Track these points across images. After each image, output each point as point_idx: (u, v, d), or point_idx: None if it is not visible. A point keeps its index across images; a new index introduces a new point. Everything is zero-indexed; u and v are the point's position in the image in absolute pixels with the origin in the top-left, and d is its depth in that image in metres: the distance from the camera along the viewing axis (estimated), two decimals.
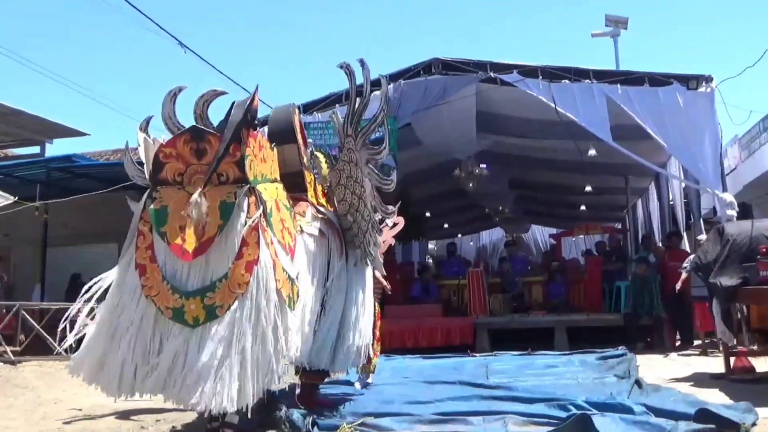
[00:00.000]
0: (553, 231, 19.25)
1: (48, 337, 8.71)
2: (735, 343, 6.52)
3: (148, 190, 3.87)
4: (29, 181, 11.55)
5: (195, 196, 3.62)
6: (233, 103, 3.96)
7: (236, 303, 3.61)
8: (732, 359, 6.12)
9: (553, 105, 8.74)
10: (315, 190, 4.96)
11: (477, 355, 8.29)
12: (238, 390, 3.47)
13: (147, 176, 3.92)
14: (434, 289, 11.49)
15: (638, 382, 5.41)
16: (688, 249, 10.68)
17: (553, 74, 8.90)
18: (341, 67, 4.85)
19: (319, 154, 5.21)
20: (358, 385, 5.90)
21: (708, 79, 8.62)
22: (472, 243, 22.87)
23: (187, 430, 4.67)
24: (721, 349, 6.87)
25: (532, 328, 9.94)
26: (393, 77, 9.43)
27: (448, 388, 5.62)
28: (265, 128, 4.92)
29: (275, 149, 4.36)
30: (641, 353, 7.80)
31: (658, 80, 8.74)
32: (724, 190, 8.38)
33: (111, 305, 3.77)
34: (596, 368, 6.65)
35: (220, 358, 3.49)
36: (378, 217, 5.08)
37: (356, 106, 4.81)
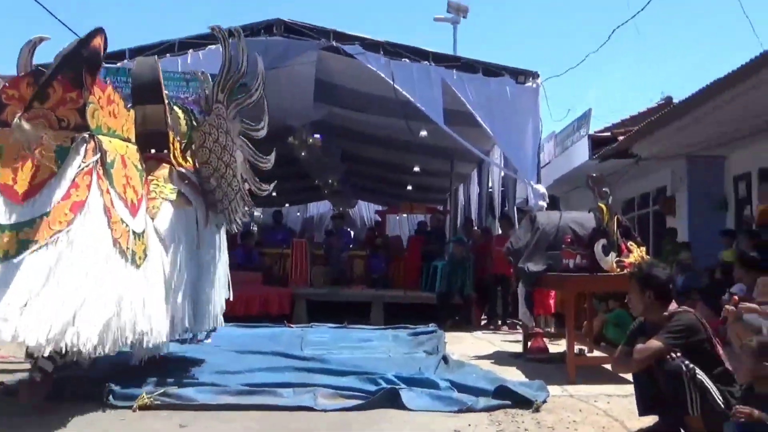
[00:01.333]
0: (380, 208, 19.66)
1: None
2: (533, 324, 7.01)
3: None
4: None
5: (16, 119, 3.54)
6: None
7: (54, 239, 3.46)
8: (530, 340, 6.55)
9: (391, 81, 8.80)
10: (174, 148, 4.80)
11: (293, 326, 8.21)
12: (45, 331, 3.23)
13: None
14: (256, 256, 11.23)
15: (445, 358, 5.60)
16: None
17: (394, 51, 8.96)
18: (213, 29, 4.86)
19: (176, 109, 4.96)
20: (209, 341, 6.05)
21: (535, 75, 9.15)
22: (299, 214, 22.73)
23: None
24: (520, 329, 7.36)
25: (350, 301, 10.04)
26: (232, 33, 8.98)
27: (261, 359, 5.47)
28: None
29: (132, 111, 4.32)
30: (450, 331, 8.14)
31: (491, 71, 9.10)
32: (538, 181, 8.95)
33: None
34: (407, 343, 6.83)
35: (31, 293, 3.31)
36: (246, 188, 5.11)
37: (229, 74, 4.73)
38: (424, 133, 11.05)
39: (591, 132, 11.44)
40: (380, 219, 17.22)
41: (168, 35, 9.04)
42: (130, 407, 3.90)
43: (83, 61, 3.78)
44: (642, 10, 8.02)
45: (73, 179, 3.62)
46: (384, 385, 4.29)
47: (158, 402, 3.98)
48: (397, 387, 4.22)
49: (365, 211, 22.56)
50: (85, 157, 3.69)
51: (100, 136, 3.84)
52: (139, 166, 4.24)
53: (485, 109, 8.96)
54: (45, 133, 3.65)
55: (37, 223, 3.48)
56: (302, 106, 11.00)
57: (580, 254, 5.53)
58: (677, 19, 47.54)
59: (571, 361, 5.23)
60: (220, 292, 5.19)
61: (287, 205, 21.08)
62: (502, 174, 11.40)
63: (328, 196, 20.64)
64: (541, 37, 54.92)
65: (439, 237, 12.56)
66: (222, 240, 5.27)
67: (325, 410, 3.98)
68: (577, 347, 5.62)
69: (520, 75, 9.17)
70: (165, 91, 4.72)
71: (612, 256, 5.27)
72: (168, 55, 8.87)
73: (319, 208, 22.95)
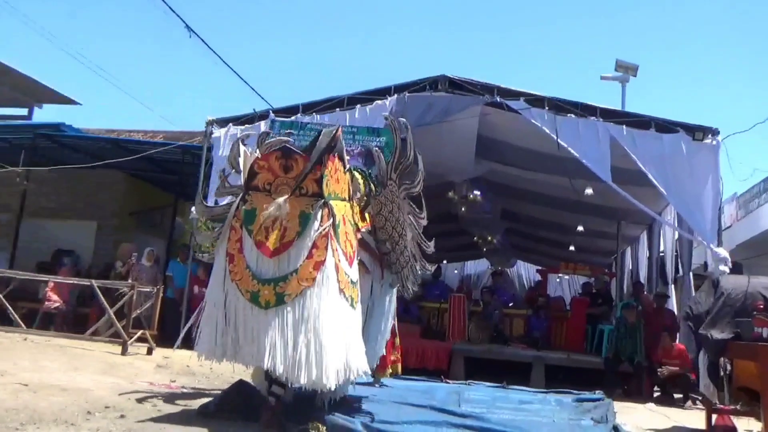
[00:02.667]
0: (540, 269, 19.04)
1: (9, 307, 8.37)
2: (717, 399, 6.31)
3: (242, 194, 4.55)
4: (14, 145, 11.22)
5: (280, 199, 4.35)
6: (320, 131, 4.67)
7: (303, 293, 4.22)
8: (714, 416, 5.90)
9: (555, 138, 8.56)
10: (355, 212, 5.18)
11: (450, 381, 8.04)
12: (312, 367, 4.07)
13: (242, 182, 4.60)
14: (414, 309, 11.22)
15: (616, 428, 5.18)
16: (675, 304, 10.50)
17: (559, 107, 8.75)
18: (386, 119, 5.62)
19: (356, 173, 5.31)
20: (377, 386, 6.60)
21: (714, 132, 8.50)
22: (456, 271, 22.58)
23: (137, 419, 4.40)
24: (701, 404, 6.66)
25: (509, 360, 9.68)
26: (398, 89, 9.29)
27: (418, 411, 5.40)
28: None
29: (348, 173, 4.91)
30: (618, 400, 7.55)
31: (665, 127, 8.61)
32: (719, 245, 8.20)
33: (209, 289, 4.54)
34: (572, 410, 6.41)
35: (287, 337, 4.11)
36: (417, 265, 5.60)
37: (401, 159, 5.21)
38: (589, 191, 10.61)
39: None
40: (541, 278, 16.62)
41: (341, 91, 9.53)
42: None
43: (329, 147, 4.52)
44: None
45: (314, 241, 4.32)
46: None
47: None
48: None
49: (524, 271, 21.98)
50: (321, 221, 4.38)
51: (331, 202, 4.51)
52: (353, 221, 4.86)
53: (658, 168, 8.41)
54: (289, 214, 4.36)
55: (289, 279, 4.25)
56: (464, 161, 11.03)
57: None
58: None
59: None
60: (382, 341, 5.70)
61: (445, 261, 21.08)
62: (677, 236, 10.62)
63: (487, 254, 20.39)
64: (724, 94, 51.45)
65: (605, 300, 11.87)
66: (393, 297, 5.78)
67: None
68: None
69: (698, 131, 8.55)
70: (346, 157, 5.04)
71: None
72: (338, 109, 9.34)
73: (477, 266, 22.71)
